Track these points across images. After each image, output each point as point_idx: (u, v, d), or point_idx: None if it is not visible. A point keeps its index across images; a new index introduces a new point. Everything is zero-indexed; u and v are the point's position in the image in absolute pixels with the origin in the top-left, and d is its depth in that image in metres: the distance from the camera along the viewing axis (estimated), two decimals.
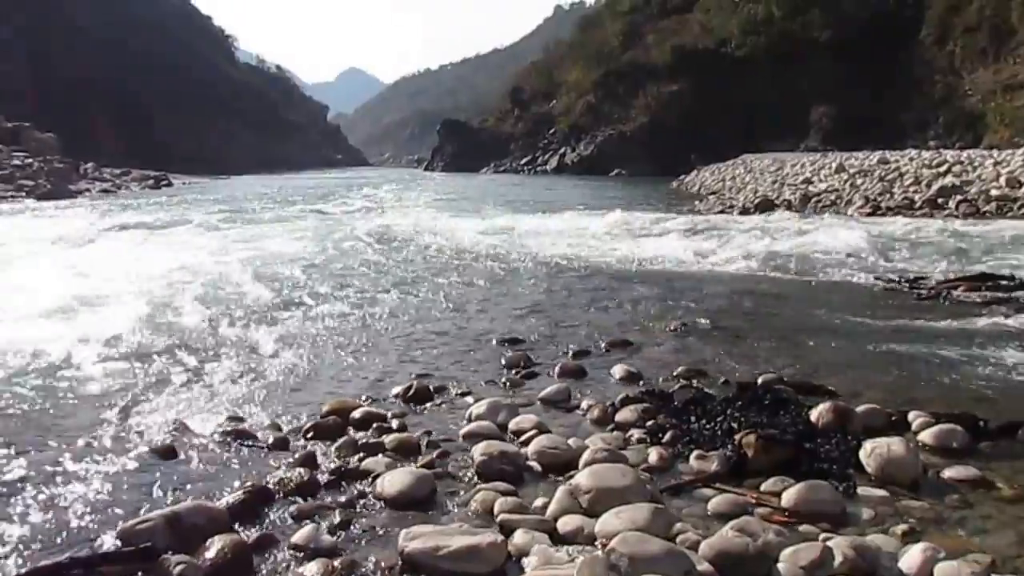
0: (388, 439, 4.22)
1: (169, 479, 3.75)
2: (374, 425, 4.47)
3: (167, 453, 4.03)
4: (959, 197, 19.24)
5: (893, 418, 4.61)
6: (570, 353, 6.37)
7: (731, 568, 2.85)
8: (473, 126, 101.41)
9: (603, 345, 6.63)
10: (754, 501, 3.58)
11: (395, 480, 3.58)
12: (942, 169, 24.58)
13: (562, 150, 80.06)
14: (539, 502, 3.48)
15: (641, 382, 5.50)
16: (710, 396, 5.01)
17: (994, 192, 19.32)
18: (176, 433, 4.34)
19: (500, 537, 3.01)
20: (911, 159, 29.38)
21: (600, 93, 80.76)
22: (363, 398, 5.10)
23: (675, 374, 5.68)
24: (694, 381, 5.50)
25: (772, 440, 3.97)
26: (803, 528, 3.29)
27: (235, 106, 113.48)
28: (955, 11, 53.97)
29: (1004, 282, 8.92)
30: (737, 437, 4.08)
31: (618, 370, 5.77)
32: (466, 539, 2.93)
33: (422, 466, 3.86)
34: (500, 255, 12.82)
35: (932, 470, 3.91)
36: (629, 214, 19.47)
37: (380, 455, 4.02)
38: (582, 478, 3.51)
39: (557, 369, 5.83)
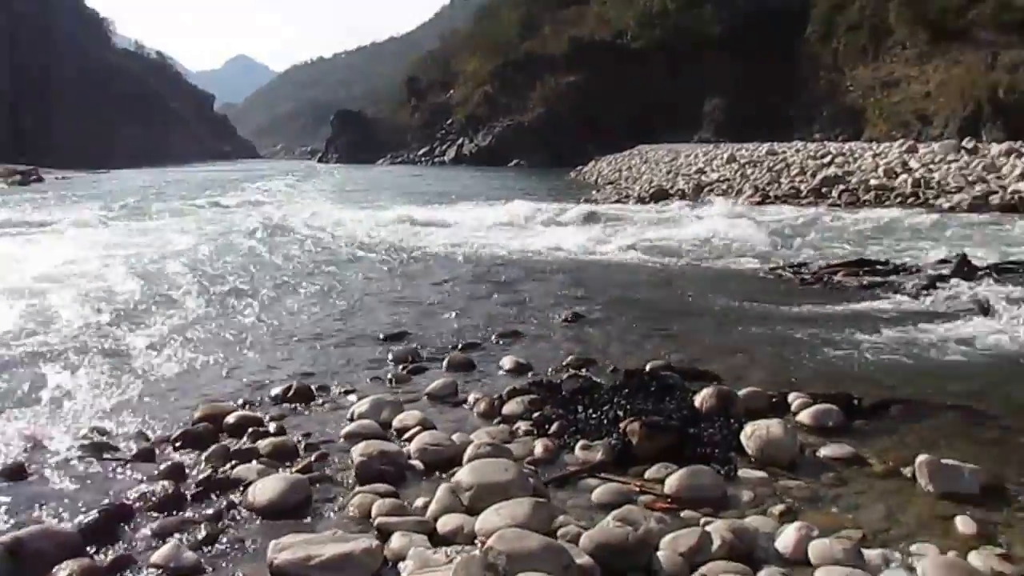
0: (263, 444, 4.01)
1: (16, 502, 3.41)
2: (249, 430, 4.23)
3: (16, 473, 3.66)
4: (841, 187, 20.16)
5: (774, 400, 4.71)
6: (459, 346, 6.26)
7: (611, 559, 2.81)
8: (368, 117, 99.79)
9: (494, 337, 6.56)
10: (638, 489, 3.57)
11: (267, 488, 3.38)
12: (826, 160, 25.78)
13: (460, 141, 79.89)
14: (420, 502, 3.36)
15: (530, 373, 5.45)
16: (598, 385, 5.00)
17: (873, 182, 20.33)
18: (28, 451, 3.99)
19: (376, 542, 2.87)
20: (797, 151, 30.73)
21: (498, 83, 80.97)
22: (239, 402, 4.84)
23: (565, 364, 5.66)
24: (583, 370, 5.50)
25: (656, 427, 3.97)
26: (685, 514, 3.29)
27: (112, 95, 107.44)
28: (839, 10, 56.62)
29: (880, 267, 9.33)
30: (622, 425, 4.07)
31: (507, 362, 5.70)
32: (339, 546, 2.78)
33: (298, 471, 3.67)
34: (393, 247, 12.61)
35: (809, 449, 4.01)
36: (527, 204, 19.51)
37: (253, 462, 3.80)
38: (463, 475, 3.41)
39: (445, 363, 5.71)
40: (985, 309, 7.04)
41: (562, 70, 74.23)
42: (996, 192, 17.22)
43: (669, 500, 3.45)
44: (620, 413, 4.34)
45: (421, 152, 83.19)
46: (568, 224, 15.85)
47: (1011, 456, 3.93)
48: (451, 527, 3.08)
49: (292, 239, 14.11)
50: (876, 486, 3.61)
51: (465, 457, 3.73)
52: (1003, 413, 4.56)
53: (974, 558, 2.90)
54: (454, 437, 4.06)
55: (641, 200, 22.07)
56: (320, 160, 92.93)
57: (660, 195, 22.41)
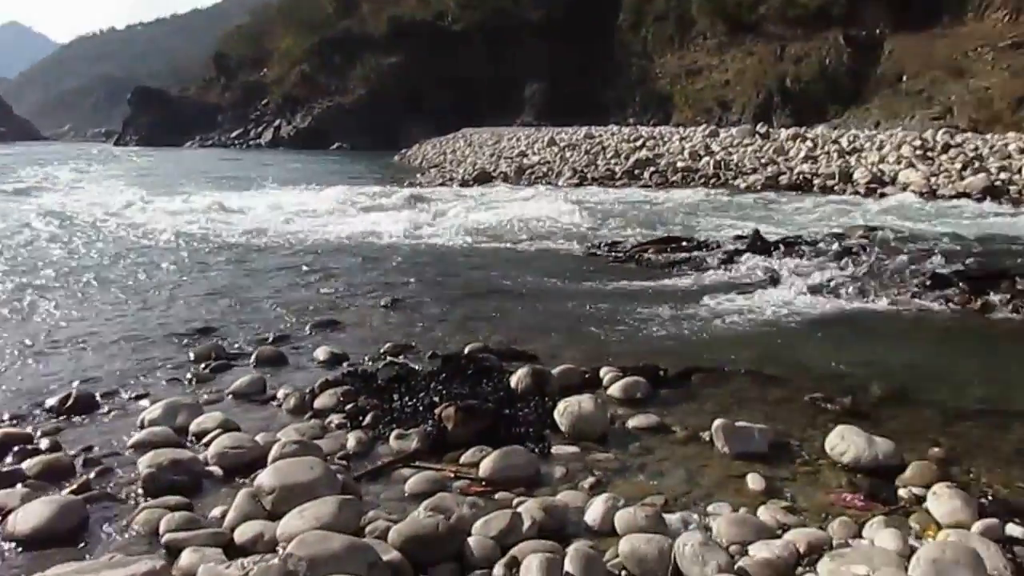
0: (30, 464, 3.55)
1: None
2: (15, 449, 3.75)
3: None
4: (652, 169, 21.22)
5: (587, 376, 4.84)
6: (270, 339, 5.93)
7: (421, 551, 2.74)
8: (173, 95, 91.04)
9: (308, 327, 6.28)
10: (453, 475, 3.54)
11: (32, 514, 2.99)
12: (638, 144, 27.05)
13: (277, 122, 76.22)
14: (217, 512, 3.10)
15: (346, 364, 5.25)
16: (415, 371, 4.92)
17: (680, 164, 21.56)
18: None
19: (161, 562, 2.61)
20: (613, 134, 32.04)
21: (315, 62, 77.89)
22: (4, 417, 4.29)
23: (382, 352, 5.52)
24: (400, 357, 5.39)
25: (471, 411, 3.95)
26: (499, 495, 3.30)
27: None
28: (648, 1, 59.40)
29: (685, 244, 9.87)
30: (437, 411, 4.02)
31: (321, 353, 5.47)
32: (115, 572, 2.51)
33: (72, 491, 3.29)
34: (201, 237, 11.80)
35: (619, 421, 4.15)
36: (348, 188, 19.04)
37: (18, 486, 3.35)
38: (265, 477, 3.19)
39: (253, 358, 5.38)
40: (775, 280, 7.63)
41: (383, 50, 72.80)
42: (785, 173, 18.80)
43: (484, 483, 3.44)
44: (436, 399, 4.29)
45: (234, 134, 78.40)
46: (390, 208, 15.59)
47: (795, 415, 4.27)
48: (250, 536, 2.86)
49: (81, 230, 12.68)
50: (678, 452, 3.79)
51: (269, 458, 3.51)
52: (789, 375, 4.94)
53: (763, 512, 3.10)
54: (258, 438, 3.82)
55: (465, 183, 22.15)
56: (117, 143, 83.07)
57: (483, 178, 22.60)
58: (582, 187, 19.85)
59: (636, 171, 21.23)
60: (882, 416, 4.26)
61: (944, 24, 43.06)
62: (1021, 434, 4.04)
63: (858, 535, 2.93)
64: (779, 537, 2.89)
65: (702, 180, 19.77)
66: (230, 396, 4.64)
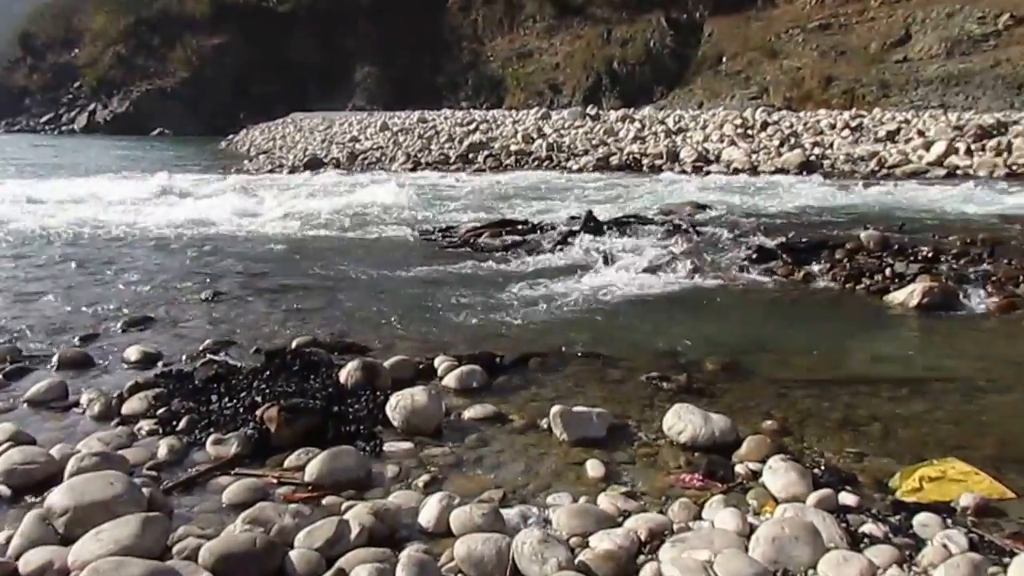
0: None
1: None
2: None
3: None
4: (486, 152, 21.21)
5: (421, 367, 4.61)
6: (75, 339, 5.31)
7: (237, 570, 2.45)
8: None
9: (119, 325, 5.68)
10: (276, 481, 3.22)
11: None
12: (472, 127, 27.02)
13: (92, 107, 70.64)
14: (1, 538, 2.69)
15: (160, 363, 4.77)
16: (236, 369, 4.51)
17: (514, 147, 21.69)
18: None
19: None
20: (446, 118, 31.91)
21: (132, 44, 72.75)
22: None
23: (201, 349, 5.05)
24: (221, 354, 4.94)
25: (295, 410, 3.64)
26: (327, 501, 3.03)
27: None
28: None
29: (520, 226, 9.82)
30: (259, 412, 3.67)
31: (133, 352, 4.92)
32: None
33: None
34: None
35: (455, 412, 3.96)
36: (170, 176, 17.69)
37: None
38: (56, 497, 2.77)
39: (55, 360, 4.79)
40: (609, 260, 7.71)
41: (206, 32, 68.84)
42: (616, 153, 19.31)
43: (310, 488, 3.15)
44: (259, 399, 3.93)
45: (45, 119, 72.02)
46: (215, 196, 14.61)
47: (633, 395, 4.24)
48: (37, 564, 2.47)
49: None
50: (516, 442, 3.65)
51: (66, 474, 3.08)
52: (625, 355, 4.94)
53: (603, 500, 3.01)
54: (54, 451, 3.36)
55: (295, 170, 21.25)
56: None
57: (314, 164, 21.78)
58: (416, 172, 19.54)
59: (470, 155, 21.16)
60: (717, 391, 4.32)
61: (758, 7, 45.92)
62: (846, 401, 4.20)
63: (698, 516, 2.89)
64: (620, 525, 2.80)
65: (536, 162, 19.98)
66: (25, 404, 4.09)
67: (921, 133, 20.02)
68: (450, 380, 4.38)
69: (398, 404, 3.75)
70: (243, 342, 5.24)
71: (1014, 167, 15.24)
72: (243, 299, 6.62)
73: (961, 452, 3.54)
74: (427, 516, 2.84)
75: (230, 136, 43.60)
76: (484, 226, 9.92)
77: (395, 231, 10.43)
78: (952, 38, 37.47)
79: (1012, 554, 2.65)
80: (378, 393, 4.05)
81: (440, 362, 4.61)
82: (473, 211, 12.17)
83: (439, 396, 3.97)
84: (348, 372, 4.26)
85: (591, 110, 32.87)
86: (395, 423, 3.74)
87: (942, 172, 15.38)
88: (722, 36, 45.02)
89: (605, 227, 9.09)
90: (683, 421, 3.59)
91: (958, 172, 15.35)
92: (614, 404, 4.03)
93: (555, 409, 3.67)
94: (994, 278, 6.56)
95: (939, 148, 16.52)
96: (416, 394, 3.81)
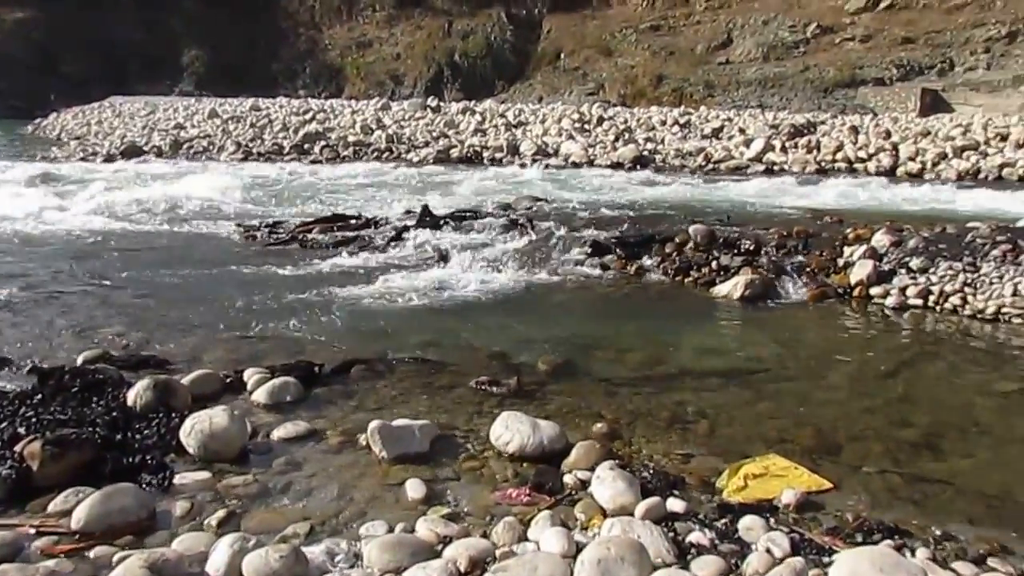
0: None
1: None
2: None
3: None
4: (323, 143, 20.37)
5: (229, 381, 4.16)
6: None
7: None
8: None
9: None
10: (34, 531, 2.72)
11: None
12: (308, 117, 25.99)
13: None
14: None
15: None
16: (2, 394, 3.86)
17: (352, 138, 20.98)
18: None
19: None
20: (281, 107, 30.56)
21: None
22: None
23: None
24: None
25: (63, 443, 3.12)
26: (96, 552, 2.58)
27: None
28: None
29: (353, 221, 9.36)
30: (19, 446, 3.12)
31: None
32: None
33: None
34: None
35: (263, 432, 3.57)
36: None
37: None
38: None
39: None
40: (444, 257, 7.45)
41: (8, 4, 62.30)
42: (456, 146, 19.09)
43: (77, 538, 2.68)
44: (22, 430, 3.35)
45: None
46: (16, 185, 13.11)
47: (460, 403, 4.00)
48: None
49: None
50: (331, 463, 3.30)
51: None
52: (455, 359, 4.69)
53: (421, 526, 2.75)
54: None
55: (111, 158, 19.49)
56: None
57: (134, 152, 20.07)
58: (247, 162, 18.42)
59: (306, 145, 20.26)
60: (548, 394, 4.17)
61: (594, 7, 47.32)
62: (675, 398, 4.17)
63: (524, 537, 2.71)
64: (439, 555, 2.55)
65: (375, 154, 19.41)
66: None
67: (742, 131, 21.14)
68: (260, 395, 3.96)
69: (194, 428, 3.31)
70: (19, 359, 4.54)
71: (823, 163, 16.39)
72: (30, 307, 5.82)
73: (782, 446, 3.59)
74: (216, 563, 2.47)
75: (38, 120, 39.70)
76: (314, 221, 9.39)
77: (216, 227, 9.66)
78: (768, 43, 40.34)
79: (831, 551, 2.67)
80: (173, 415, 3.58)
81: (250, 374, 4.17)
82: (305, 204, 11.54)
83: (243, 416, 3.56)
84: (137, 392, 3.74)
85: (432, 102, 32.53)
86: (190, 449, 3.30)
87: (761, 168, 16.24)
88: (560, 33, 46.08)
89: (442, 222, 8.82)
90: (511, 430, 3.38)
91: (775, 168, 16.28)
92: (440, 413, 3.78)
93: (373, 424, 3.35)
94: (808, 268, 6.85)
95: (758, 145, 17.47)
96: (215, 415, 3.37)
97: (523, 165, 17.04)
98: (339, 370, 4.36)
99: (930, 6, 38.63)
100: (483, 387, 4.15)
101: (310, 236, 8.66)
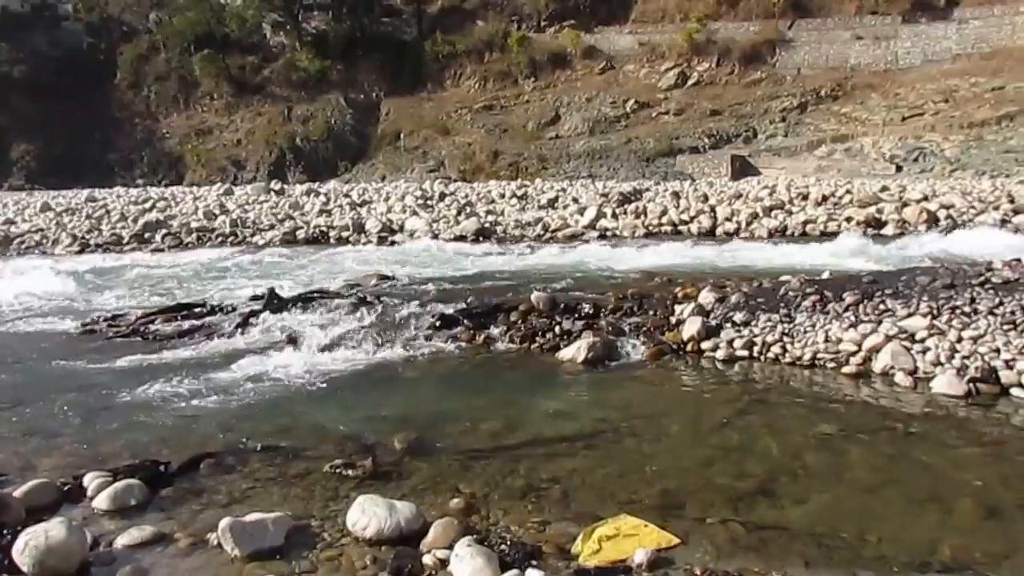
0: None
1: None
2: None
3: None
4: (164, 231, 19.64)
5: (67, 488, 3.95)
6: None
7: None
8: None
9: None
10: None
11: None
12: (147, 205, 25.08)
13: None
14: None
15: None
16: None
17: (195, 224, 20.33)
18: None
19: None
20: (119, 196, 29.39)
21: None
22: None
23: None
24: None
25: None
26: None
27: None
28: (145, 60, 55.80)
29: (197, 309, 9.08)
30: None
31: None
32: None
33: None
34: None
35: (106, 540, 3.41)
36: None
37: None
38: None
39: None
40: (293, 340, 7.37)
41: None
42: (302, 227, 18.91)
43: None
44: None
45: None
46: None
47: (316, 490, 3.98)
48: None
49: None
50: (181, 567, 3.21)
51: None
52: (310, 444, 4.66)
53: None
54: None
55: None
56: None
57: None
58: (84, 254, 17.42)
59: (147, 234, 19.47)
60: (404, 472, 4.21)
61: (429, 90, 48.86)
62: (528, 466, 4.31)
63: None
64: None
65: (219, 239, 18.89)
66: None
67: (575, 200, 22.23)
68: (102, 500, 3.79)
69: (27, 544, 3.13)
70: None
71: (650, 227, 17.47)
72: None
73: (632, 505, 3.78)
74: None
75: None
76: (157, 311, 9.04)
77: (50, 322, 9.08)
78: (593, 119, 43.19)
79: None
80: (4, 532, 3.36)
81: (91, 479, 3.98)
82: (147, 295, 11.05)
83: (82, 526, 3.39)
84: None
85: (276, 185, 32.14)
86: (25, 568, 3.11)
87: (595, 234, 17.07)
88: (399, 115, 47.21)
89: (289, 304, 8.72)
90: (367, 515, 3.41)
91: (608, 233, 17.18)
92: (295, 503, 3.75)
93: (224, 522, 3.29)
94: (644, 328, 7.29)
95: (591, 213, 18.43)
96: (51, 528, 3.20)
97: (370, 242, 17.11)
98: (187, 467, 4.23)
99: (732, 82, 42.68)
100: (338, 471, 4.15)
101: (153, 327, 8.33)
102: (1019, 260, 8.43)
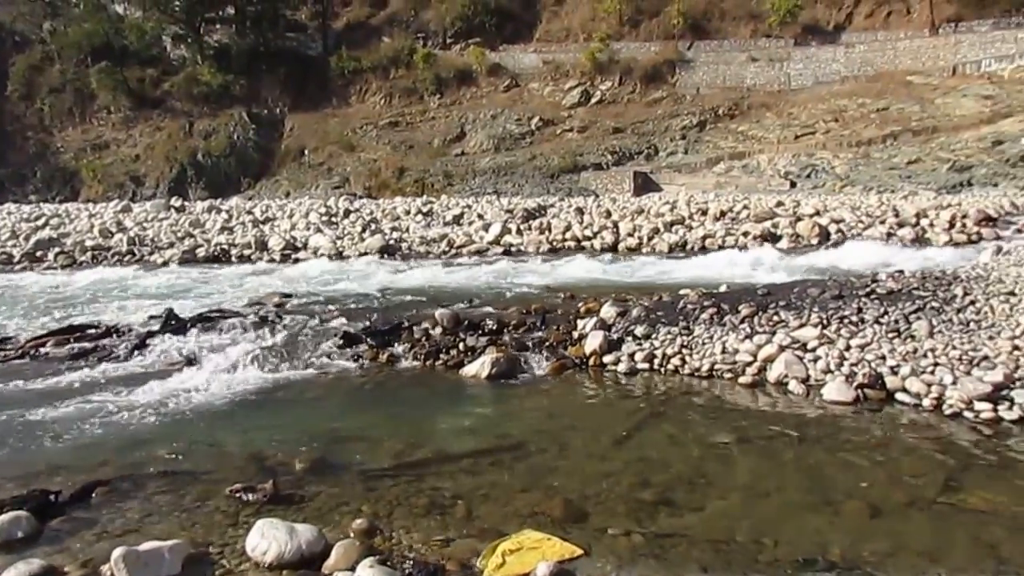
0: None
1: None
2: None
3: None
4: (57, 249, 18.78)
5: None
6: None
7: None
8: None
9: None
10: None
11: None
12: (40, 223, 23.98)
13: None
14: None
15: None
16: None
17: (89, 242, 19.50)
18: None
19: None
20: (9, 213, 28.06)
21: None
22: None
23: None
24: None
25: None
26: None
27: None
28: (38, 71, 53.23)
29: (91, 331, 8.73)
30: None
31: None
32: None
33: None
34: None
35: None
36: None
37: None
38: None
39: None
40: (192, 361, 7.19)
41: None
42: (203, 245, 18.37)
43: None
44: None
45: None
46: None
47: (215, 515, 3.90)
48: None
49: None
50: None
51: None
52: (209, 468, 4.56)
53: None
54: None
55: None
56: None
57: None
58: None
59: (39, 252, 18.56)
60: (306, 494, 4.17)
61: (334, 105, 48.40)
62: (432, 483, 4.33)
63: None
64: None
65: (116, 258, 18.15)
66: None
67: (481, 216, 22.40)
68: None
69: None
70: None
71: (554, 243, 17.74)
72: None
73: (535, 519, 3.86)
74: None
75: None
76: (48, 334, 8.64)
77: None
78: (498, 136, 43.88)
79: None
80: None
81: None
82: (38, 316, 10.51)
83: None
84: None
85: (176, 202, 31.14)
86: None
87: (500, 250, 17.20)
88: (303, 131, 46.62)
89: (188, 325, 8.49)
90: (267, 539, 3.38)
91: (513, 249, 17.33)
92: (193, 530, 3.68)
93: (117, 552, 3.21)
94: (548, 343, 7.43)
95: (496, 229, 18.60)
96: None
97: (273, 260, 16.78)
98: (79, 495, 4.09)
99: (634, 101, 44.03)
100: (238, 495, 4.08)
101: (44, 350, 7.97)
102: (902, 272, 9.01)
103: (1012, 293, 7.46)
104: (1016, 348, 6.11)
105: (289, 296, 10.46)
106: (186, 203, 31.59)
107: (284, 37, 51.99)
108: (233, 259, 17.33)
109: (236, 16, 51.54)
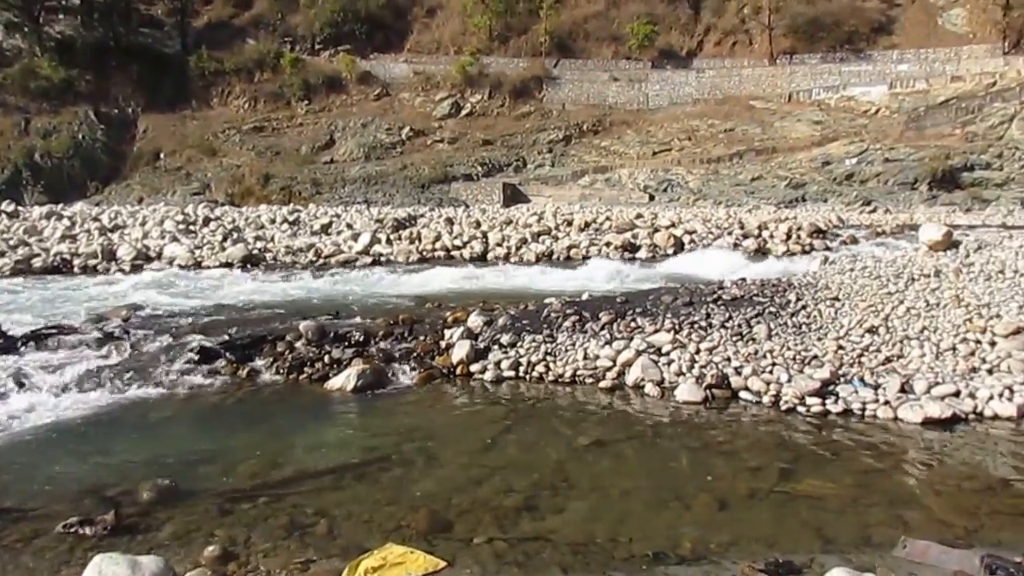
0: None
1: None
2: None
3: None
4: None
5: None
6: None
7: None
8: None
9: None
10: None
11: None
12: None
13: None
14: None
15: None
16: None
17: None
18: None
19: None
20: None
21: None
22: None
23: None
24: None
25: None
26: None
27: None
28: None
29: None
30: None
31: None
32: None
33: None
34: None
35: None
36: None
37: None
38: None
39: None
40: (20, 383, 6.56)
41: None
42: (40, 255, 16.95)
43: None
44: None
45: None
46: None
47: (42, 556, 3.55)
48: None
49: None
50: None
51: None
52: (40, 502, 4.18)
53: None
54: None
55: None
56: None
57: None
58: None
59: None
60: (153, 523, 3.88)
61: (194, 107, 46.17)
62: (292, 502, 4.14)
63: None
64: None
65: None
66: None
67: (350, 226, 21.90)
68: None
69: None
70: None
71: (424, 253, 17.62)
72: None
73: (399, 533, 3.77)
74: None
75: None
76: None
77: None
78: (368, 144, 43.34)
79: None
80: None
81: None
82: None
83: None
84: None
85: (8, 206, 28.66)
86: None
87: (369, 260, 16.88)
88: (158, 133, 44.11)
89: (19, 343, 7.78)
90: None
91: (382, 259, 17.06)
92: (20, 573, 3.31)
93: None
94: (415, 354, 7.32)
95: (365, 239, 18.23)
96: None
97: (121, 271, 15.71)
98: None
99: (503, 114, 44.73)
100: (73, 530, 3.72)
101: None
102: (744, 280, 9.49)
103: (836, 299, 8.07)
104: (840, 348, 6.70)
105: (139, 309, 9.81)
106: (20, 208, 29.15)
107: (137, 32, 48.98)
108: (76, 270, 16.10)
109: (82, 7, 48.14)
